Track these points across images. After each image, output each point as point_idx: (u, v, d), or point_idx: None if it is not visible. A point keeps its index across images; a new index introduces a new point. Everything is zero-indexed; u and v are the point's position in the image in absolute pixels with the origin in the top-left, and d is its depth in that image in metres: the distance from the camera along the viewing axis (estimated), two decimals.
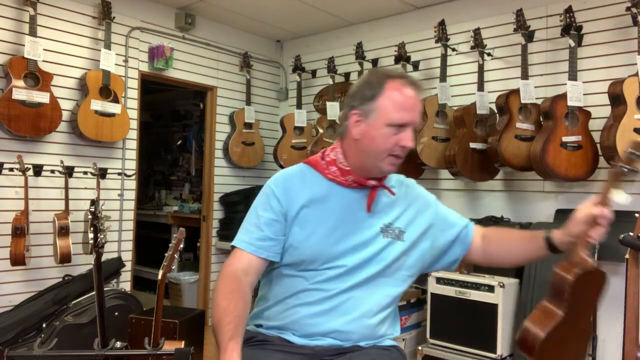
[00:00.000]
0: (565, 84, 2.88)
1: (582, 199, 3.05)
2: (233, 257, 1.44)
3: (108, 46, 3.42)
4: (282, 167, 4.27)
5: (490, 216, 3.28)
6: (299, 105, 4.29)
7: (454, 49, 3.48)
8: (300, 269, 1.43)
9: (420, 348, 3.00)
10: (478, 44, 3.31)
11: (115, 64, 3.49)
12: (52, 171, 3.26)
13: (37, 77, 3.11)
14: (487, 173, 3.24)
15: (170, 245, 2.05)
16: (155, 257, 3.50)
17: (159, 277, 2.04)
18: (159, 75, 3.97)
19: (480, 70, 3.28)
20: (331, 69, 4.05)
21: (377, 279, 1.45)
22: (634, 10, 2.72)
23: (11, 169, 3.07)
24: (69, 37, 3.43)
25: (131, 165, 3.75)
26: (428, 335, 3.02)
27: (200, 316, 3.16)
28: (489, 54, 3.38)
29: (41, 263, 3.26)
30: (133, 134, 3.73)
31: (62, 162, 3.25)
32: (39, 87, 3.11)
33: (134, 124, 3.72)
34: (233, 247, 1.46)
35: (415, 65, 3.72)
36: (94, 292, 2.12)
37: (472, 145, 3.18)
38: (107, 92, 3.42)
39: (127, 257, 3.70)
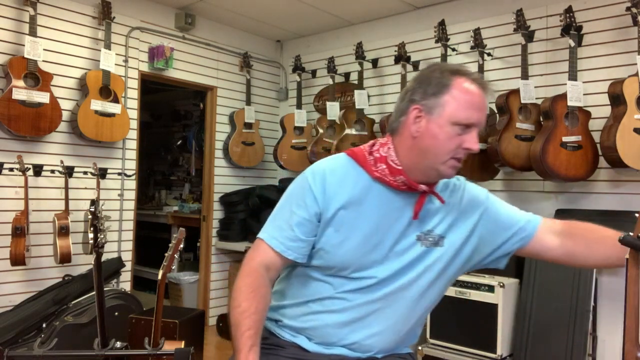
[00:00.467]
0: (565, 84, 2.88)
1: (582, 199, 3.07)
2: (258, 250, 1.35)
3: (108, 46, 3.42)
4: (282, 167, 4.28)
5: None
6: (299, 105, 4.29)
7: (454, 49, 3.48)
8: (328, 274, 1.34)
9: (420, 348, 3.01)
10: (478, 44, 3.31)
11: (115, 64, 3.49)
12: (52, 171, 3.26)
13: (37, 77, 3.11)
14: (487, 173, 3.24)
15: (170, 245, 2.05)
16: (155, 257, 3.51)
17: (159, 277, 2.04)
18: (159, 75, 3.97)
19: (480, 70, 3.29)
20: (331, 69, 4.06)
21: (408, 290, 1.35)
22: (634, 10, 2.72)
23: (11, 169, 3.07)
24: (69, 37, 3.43)
25: (131, 165, 3.75)
26: (428, 335, 3.02)
27: (200, 316, 3.16)
28: (489, 54, 3.38)
29: (41, 263, 3.26)
30: (133, 134, 3.73)
31: (62, 162, 3.25)
32: (39, 87, 3.11)
33: (134, 124, 3.72)
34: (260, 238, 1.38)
35: (415, 65, 3.72)
36: (94, 292, 2.12)
37: None
38: (107, 92, 3.42)
39: (127, 257, 3.70)
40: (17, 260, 2.94)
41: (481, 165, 3.20)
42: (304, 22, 4.31)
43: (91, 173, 3.35)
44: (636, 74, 2.68)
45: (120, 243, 3.69)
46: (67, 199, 3.20)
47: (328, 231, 1.32)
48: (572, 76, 2.88)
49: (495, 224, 1.42)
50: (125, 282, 3.68)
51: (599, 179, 2.99)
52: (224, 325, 3.87)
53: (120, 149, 3.68)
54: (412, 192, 1.33)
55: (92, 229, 1.90)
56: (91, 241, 1.90)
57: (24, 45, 3.08)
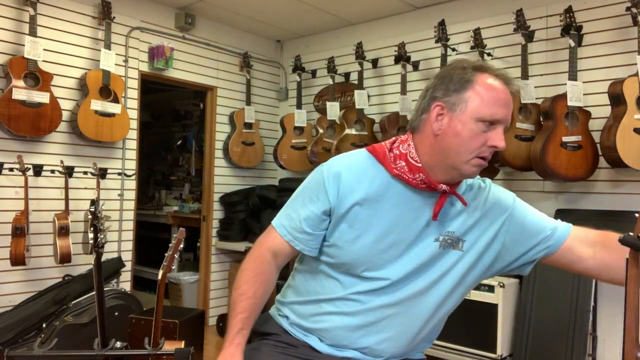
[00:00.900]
0: (565, 84, 2.88)
1: (582, 199, 3.07)
2: (268, 236, 1.37)
3: (108, 46, 3.42)
4: (282, 167, 4.28)
5: None
6: (299, 105, 4.29)
7: (454, 49, 3.48)
8: (340, 272, 1.32)
9: None
10: (478, 44, 3.31)
11: (115, 64, 3.49)
12: (52, 171, 3.26)
13: (37, 77, 3.11)
14: (487, 173, 3.24)
15: (170, 245, 2.05)
16: (155, 257, 3.51)
17: (159, 277, 2.04)
18: (159, 75, 3.97)
19: None
20: (331, 69, 4.06)
21: (425, 296, 1.30)
22: (634, 10, 2.72)
23: (11, 169, 3.07)
24: (69, 37, 3.43)
25: (131, 165, 3.75)
26: None
27: (200, 316, 3.16)
28: (489, 54, 3.38)
29: (41, 263, 3.26)
30: (133, 134, 3.73)
31: (62, 162, 3.25)
32: (39, 87, 3.11)
33: (134, 124, 3.72)
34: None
35: (415, 65, 3.72)
36: (94, 292, 2.12)
37: None
38: (107, 92, 3.42)
39: (127, 257, 3.70)
40: (17, 260, 2.94)
41: None
42: (304, 22, 4.31)
43: (91, 173, 3.35)
44: (636, 74, 2.67)
45: (120, 243, 3.69)
46: (67, 199, 3.20)
47: (341, 227, 1.30)
48: (572, 76, 2.88)
49: (521, 230, 1.35)
50: (125, 282, 3.68)
51: (599, 179, 2.99)
52: (224, 325, 3.87)
53: (120, 149, 3.68)
54: (432, 192, 1.28)
55: (92, 229, 1.90)
56: (91, 241, 1.90)
57: (24, 45, 3.08)
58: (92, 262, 1.94)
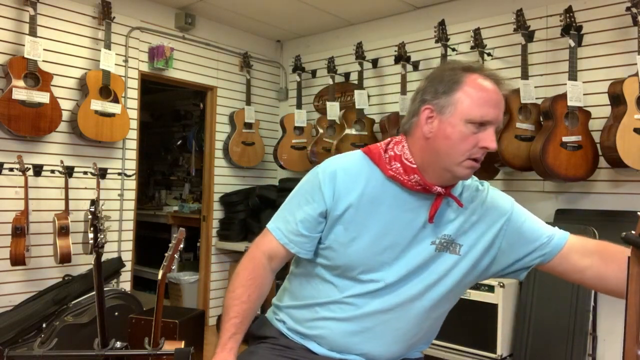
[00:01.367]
0: (565, 84, 2.88)
1: (582, 199, 3.07)
2: (263, 239, 1.35)
3: (108, 46, 3.42)
4: (282, 167, 4.28)
5: None
6: (299, 105, 4.29)
7: (454, 49, 3.48)
8: (336, 274, 1.31)
9: None
10: (478, 44, 3.31)
11: (115, 64, 3.49)
12: (52, 171, 3.26)
13: (37, 77, 3.11)
14: (487, 173, 3.24)
15: (170, 245, 2.05)
16: (155, 257, 3.50)
17: (159, 277, 2.04)
18: (159, 75, 3.97)
19: None
20: (331, 69, 4.05)
21: (420, 300, 1.29)
22: (634, 10, 2.72)
23: (11, 169, 3.07)
24: (69, 37, 3.43)
25: (131, 165, 3.75)
26: None
27: (200, 316, 3.16)
28: (489, 54, 3.38)
29: (41, 263, 3.26)
30: (133, 134, 3.73)
31: (62, 162, 3.25)
32: (39, 87, 3.11)
33: (134, 124, 3.72)
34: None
35: (415, 65, 3.72)
36: (94, 292, 2.12)
37: None
38: (107, 92, 3.42)
39: (127, 257, 3.70)
40: (17, 260, 2.94)
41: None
42: (304, 22, 4.31)
43: (91, 173, 3.35)
44: (636, 74, 2.67)
45: (120, 243, 3.69)
46: (67, 199, 3.20)
47: (337, 229, 1.29)
48: (572, 76, 2.88)
49: (518, 236, 1.33)
50: (125, 282, 3.68)
51: (599, 179, 2.99)
52: None
53: (120, 149, 3.68)
54: (428, 194, 1.27)
55: (92, 229, 1.90)
56: (91, 241, 1.90)
57: (24, 45, 3.07)
58: (92, 262, 1.94)
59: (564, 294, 2.84)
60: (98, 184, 3.32)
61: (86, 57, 3.50)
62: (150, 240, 5.22)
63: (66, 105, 3.35)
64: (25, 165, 3.05)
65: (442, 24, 3.42)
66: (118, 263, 3.44)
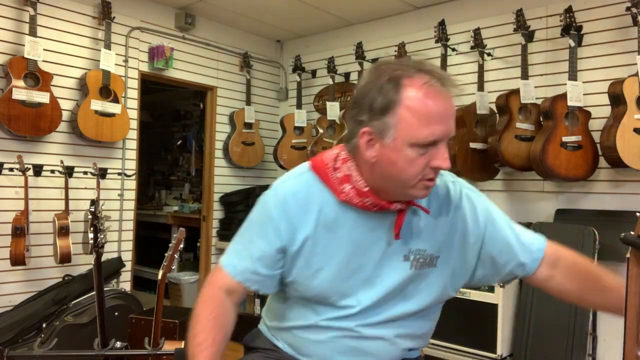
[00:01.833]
0: (565, 84, 2.88)
1: (582, 199, 3.07)
2: (218, 275, 1.23)
3: (108, 46, 3.42)
4: (282, 167, 4.27)
5: None
6: (299, 105, 4.29)
7: (454, 49, 3.48)
8: (312, 302, 1.22)
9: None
10: (478, 44, 3.31)
11: (115, 64, 3.49)
12: (52, 171, 3.26)
13: (37, 77, 3.11)
14: (487, 173, 3.24)
15: (170, 245, 2.05)
16: (155, 257, 3.51)
17: (159, 277, 2.04)
18: (159, 75, 3.97)
19: (480, 70, 3.29)
20: (331, 69, 4.05)
21: (403, 319, 1.21)
22: (634, 10, 2.72)
23: (11, 169, 3.07)
24: (69, 37, 3.43)
25: (131, 165, 3.75)
26: None
27: None
28: (489, 54, 3.38)
29: (41, 263, 3.26)
30: (133, 134, 3.73)
31: (62, 162, 3.25)
32: (39, 87, 3.11)
33: (134, 124, 3.72)
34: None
35: None
36: (94, 292, 2.12)
37: (472, 145, 3.18)
38: (107, 92, 3.42)
39: (127, 257, 3.70)
40: (17, 260, 2.94)
41: (481, 165, 3.20)
42: (304, 22, 4.30)
43: (91, 173, 3.35)
44: (636, 74, 2.67)
45: (120, 243, 3.69)
46: (67, 199, 3.20)
47: (298, 263, 1.18)
48: (572, 76, 2.88)
49: (494, 246, 1.23)
50: (125, 282, 3.68)
51: (599, 179, 2.99)
52: None
53: (120, 149, 3.68)
54: (389, 211, 1.15)
55: (92, 229, 1.90)
56: (91, 241, 1.90)
57: (24, 45, 3.07)
58: (92, 262, 1.94)
59: None
60: (98, 184, 3.32)
61: (86, 57, 3.50)
62: (150, 240, 5.22)
63: (66, 105, 3.35)
64: (25, 165, 3.05)
65: (442, 24, 3.42)
66: (118, 263, 3.44)
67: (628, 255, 0.86)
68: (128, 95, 3.73)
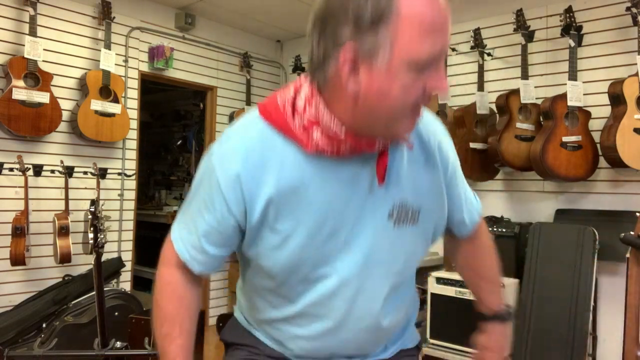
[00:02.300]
0: (565, 84, 2.88)
1: (582, 199, 3.07)
2: (170, 250, 1.06)
3: (108, 46, 3.42)
4: None
5: (490, 216, 3.28)
6: None
7: (454, 49, 3.48)
8: (284, 282, 1.01)
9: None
10: (478, 44, 3.32)
11: (115, 64, 3.49)
12: (52, 171, 3.26)
13: (37, 77, 3.11)
14: (487, 173, 3.24)
15: None
16: (155, 257, 3.49)
17: None
18: (159, 75, 3.97)
19: (480, 70, 3.29)
20: None
21: (386, 286, 1.03)
22: (634, 10, 2.72)
23: (11, 169, 3.07)
24: (69, 37, 3.43)
25: (131, 165, 3.75)
26: (428, 335, 3.02)
27: (200, 316, 3.15)
28: (489, 54, 3.38)
29: (41, 263, 3.26)
30: (133, 134, 3.73)
31: (62, 162, 3.25)
32: (39, 87, 3.11)
33: (134, 124, 3.72)
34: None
35: None
36: (94, 292, 2.12)
37: (472, 145, 3.18)
38: (107, 92, 3.42)
39: (127, 257, 3.70)
40: (17, 260, 2.94)
41: (481, 165, 3.20)
42: (304, 22, 4.26)
43: (91, 173, 3.35)
44: (636, 74, 2.68)
45: (120, 243, 3.69)
46: (67, 199, 3.20)
47: (262, 234, 0.97)
48: (572, 76, 2.88)
49: (452, 202, 1.11)
50: (125, 282, 3.68)
51: (599, 179, 2.99)
52: (224, 326, 3.87)
53: (120, 149, 3.68)
54: (368, 154, 0.95)
55: (92, 229, 1.90)
56: (91, 241, 1.90)
57: (24, 45, 3.07)
58: (92, 262, 1.94)
59: (564, 294, 2.83)
60: (98, 184, 3.32)
61: (86, 57, 3.50)
62: (150, 240, 5.20)
63: (66, 105, 3.35)
64: (25, 165, 3.05)
65: None
66: (118, 263, 3.44)
67: (628, 255, 0.86)
68: (128, 95, 3.73)
